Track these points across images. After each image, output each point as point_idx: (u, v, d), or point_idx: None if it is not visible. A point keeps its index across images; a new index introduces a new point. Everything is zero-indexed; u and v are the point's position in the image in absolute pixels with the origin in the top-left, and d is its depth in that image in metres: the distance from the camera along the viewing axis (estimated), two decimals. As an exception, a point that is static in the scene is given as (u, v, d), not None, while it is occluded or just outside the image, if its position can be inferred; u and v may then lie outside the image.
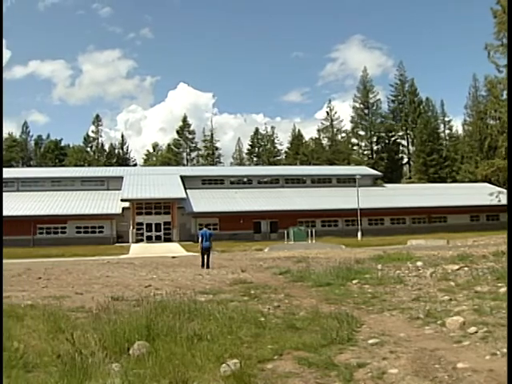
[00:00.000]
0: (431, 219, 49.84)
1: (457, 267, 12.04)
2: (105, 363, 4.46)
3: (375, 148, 78.88)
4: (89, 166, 71.37)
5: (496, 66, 38.81)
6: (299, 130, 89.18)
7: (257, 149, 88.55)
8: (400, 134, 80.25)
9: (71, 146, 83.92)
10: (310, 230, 38.74)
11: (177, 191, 44.98)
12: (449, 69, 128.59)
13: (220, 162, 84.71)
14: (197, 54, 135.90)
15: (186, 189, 45.77)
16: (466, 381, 4.04)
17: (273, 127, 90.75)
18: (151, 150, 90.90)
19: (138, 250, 33.42)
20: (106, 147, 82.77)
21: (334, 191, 50.98)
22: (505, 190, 42.37)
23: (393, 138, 79.72)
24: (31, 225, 41.83)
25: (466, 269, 11.81)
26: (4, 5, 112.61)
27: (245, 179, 54.09)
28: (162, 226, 44.81)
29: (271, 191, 50.63)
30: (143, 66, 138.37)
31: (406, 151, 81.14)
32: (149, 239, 43.43)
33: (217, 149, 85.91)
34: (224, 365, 4.29)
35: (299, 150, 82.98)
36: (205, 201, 45.97)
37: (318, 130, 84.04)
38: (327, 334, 5.51)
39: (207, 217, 42.88)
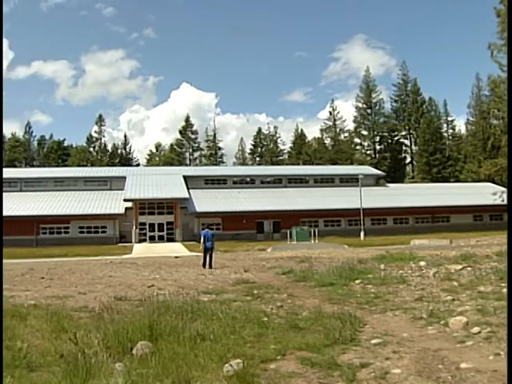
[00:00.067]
0: (434, 219, 49.70)
1: (460, 267, 12.02)
2: (108, 363, 4.47)
3: (378, 148, 78.73)
4: (92, 166, 71.42)
5: (499, 65, 38.72)
6: (302, 130, 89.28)
7: (259, 149, 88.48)
8: (403, 133, 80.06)
9: (74, 146, 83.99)
10: (312, 230, 38.63)
11: (180, 191, 44.98)
12: (452, 68, 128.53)
13: (223, 162, 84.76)
14: (200, 53, 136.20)
15: (188, 189, 45.77)
16: (470, 381, 4.03)
17: (275, 127, 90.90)
18: (154, 150, 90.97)
19: (140, 249, 33.46)
20: (109, 147, 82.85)
21: (337, 191, 50.88)
22: (508, 190, 42.27)
23: (396, 138, 79.51)
24: (34, 225, 41.89)
25: (469, 269, 11.79)
26: (7, 6, 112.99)
27: (247, 179, 54.04)
28: (165, 226, 44.80)
29: (274, 191, 50.57)
30: (146, 66, 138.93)
31: (409, 151, 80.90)
32: (152, 239, 43.45)
33: (219, 149, 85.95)
34: (227, 365, 4.30)
35: (302, 150, 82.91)
36: (207, 201, 45.95)
37: (321, 130, 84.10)
38: (330, 334, 5.51)
39: (210, 217, 42.97)
